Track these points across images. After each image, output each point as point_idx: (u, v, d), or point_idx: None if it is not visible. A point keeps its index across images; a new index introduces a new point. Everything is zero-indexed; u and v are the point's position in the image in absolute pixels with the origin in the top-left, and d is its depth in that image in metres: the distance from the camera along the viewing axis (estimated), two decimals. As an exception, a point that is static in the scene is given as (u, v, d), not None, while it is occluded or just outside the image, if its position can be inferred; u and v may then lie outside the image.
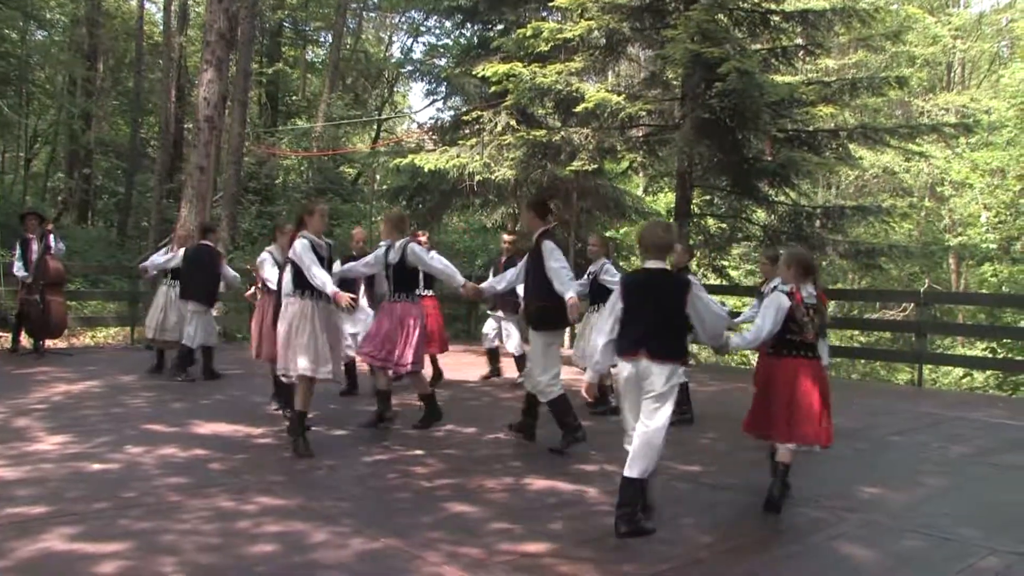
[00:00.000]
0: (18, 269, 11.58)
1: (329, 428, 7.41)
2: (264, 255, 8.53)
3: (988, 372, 20.35)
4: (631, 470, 4.72)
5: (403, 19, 32.62)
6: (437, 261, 7.67)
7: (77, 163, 26.56)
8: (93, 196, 27.96)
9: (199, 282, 10.06)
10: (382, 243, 7.62)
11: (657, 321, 4.85)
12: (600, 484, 5.85)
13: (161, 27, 28.68)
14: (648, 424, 4.73)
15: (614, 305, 4.95)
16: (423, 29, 30.91)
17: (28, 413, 7.70)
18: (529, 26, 13.44)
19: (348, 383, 9.13)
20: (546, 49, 13.46)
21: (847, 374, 24.63)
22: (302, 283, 6.54)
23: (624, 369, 4.85)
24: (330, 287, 6.43)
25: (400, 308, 7.33)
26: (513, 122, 14.94)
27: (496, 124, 14.97)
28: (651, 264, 4.98)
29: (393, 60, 33.42)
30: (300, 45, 31.89)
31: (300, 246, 6.53)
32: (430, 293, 9.88)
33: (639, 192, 21.81)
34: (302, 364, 6.41)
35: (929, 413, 9.51)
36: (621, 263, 19.69)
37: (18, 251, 11.67)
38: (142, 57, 26.76)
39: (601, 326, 5.02)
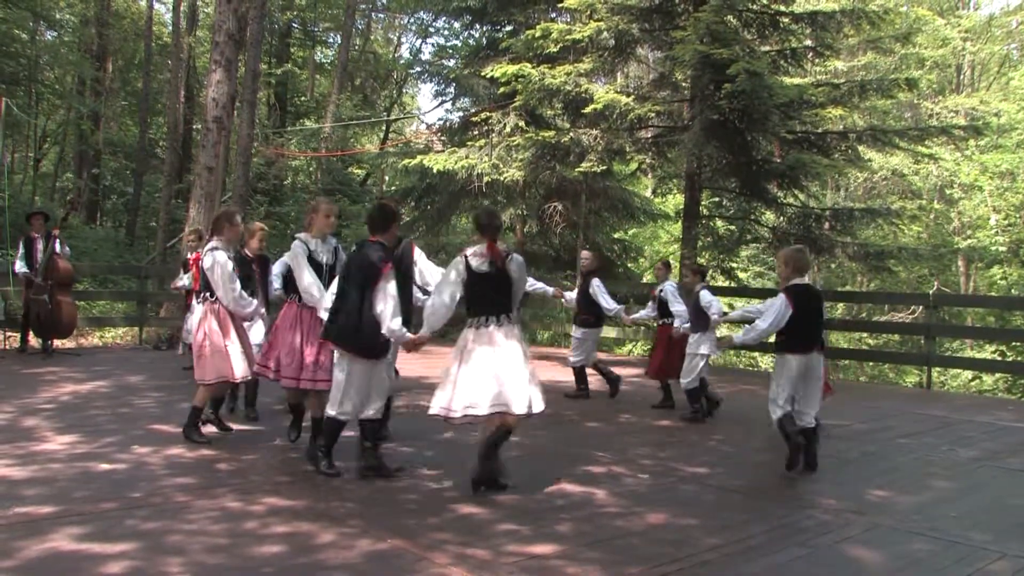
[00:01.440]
0: (20, 267, 11.62)
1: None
2: (222, 256, 6.66)
3: (997, 375, 20.30)
4: (813, 422, 6.46)
5: (412, 20, 32.67)
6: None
7: (86, 163, 26.61)
8: (102, 196, 28.03)
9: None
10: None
11: (817, 324, 6.55)
12: (608, 486, 5.84)
13: (170, 28, 28.74)
14: (816, 397, 6.49)
15: (786, 312, 6.30)
16: (432, 30, 30.97)
17: (36, 413, 7.73)
18: (538, 27, 13.46)
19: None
20: (555, 50, 13.47)
21: (855, 376, 24.55)
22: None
23: (798, 362, 6.36)
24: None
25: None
26: (522, 123, 14.97)
27: (505, 125, 15.01)
28: (799, 280, 6.51)
29: (402, 61, 33.43)
30: (309, 46, 31.88)
31: (519, 264, 5.74)
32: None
33: (648, 194, 21.81)
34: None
35: (938, 416, 9.46)
36: (629, 264, 19.70)
37: (21, 249, 11.70)
38: (151, 58, 26.78)
39: (764, 326, 6.43)
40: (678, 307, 8.88)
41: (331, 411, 5.77)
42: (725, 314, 8.76)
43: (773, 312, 6.40)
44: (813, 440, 6.42)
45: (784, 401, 6.37)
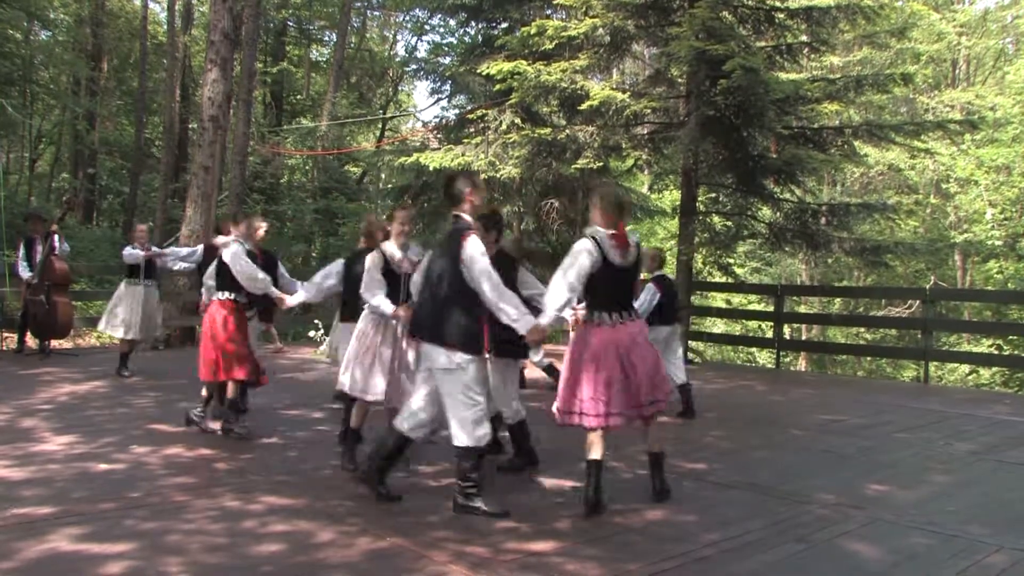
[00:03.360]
0: (23, 270, 11.60)
1: (334, 428, 7.38)
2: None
3: (994, 369, 20.33)
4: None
5: (407, 17, 32.57)
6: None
7: (82, 163, 26.61)
8: (98, 196, 28.00)
9: None
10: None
11: (676, 303, 8.69)
12: (606, 483, 5.84)
13: (165, 27, 28.70)
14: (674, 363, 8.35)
15: (655, 296, 8.23)
16: (427, 27, 30.89)
17: (34, 414, 7.72)
18: (534, 24, 13.43)
19: None
20: (551, 47, 13.44)
21: (853, 371, 24.61)
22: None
23: (666, 332, 8.29)
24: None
25: None
26: (518, 120, 14.96)
27: (501, 122, 14.99)
28: (660, 272, 8.56)
29: (397, 59, 33.39)
30: (304, 44, 31.83)
31: None
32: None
33: (644, 190, 21.81)
34: None
35: (935, 410, 9.48)
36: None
37: (22, 251, 11.69)
38: (146, 57, 26.71)
39: (641, 311, 7.14)
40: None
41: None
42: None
43: (647, 298, 8.22)
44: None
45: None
